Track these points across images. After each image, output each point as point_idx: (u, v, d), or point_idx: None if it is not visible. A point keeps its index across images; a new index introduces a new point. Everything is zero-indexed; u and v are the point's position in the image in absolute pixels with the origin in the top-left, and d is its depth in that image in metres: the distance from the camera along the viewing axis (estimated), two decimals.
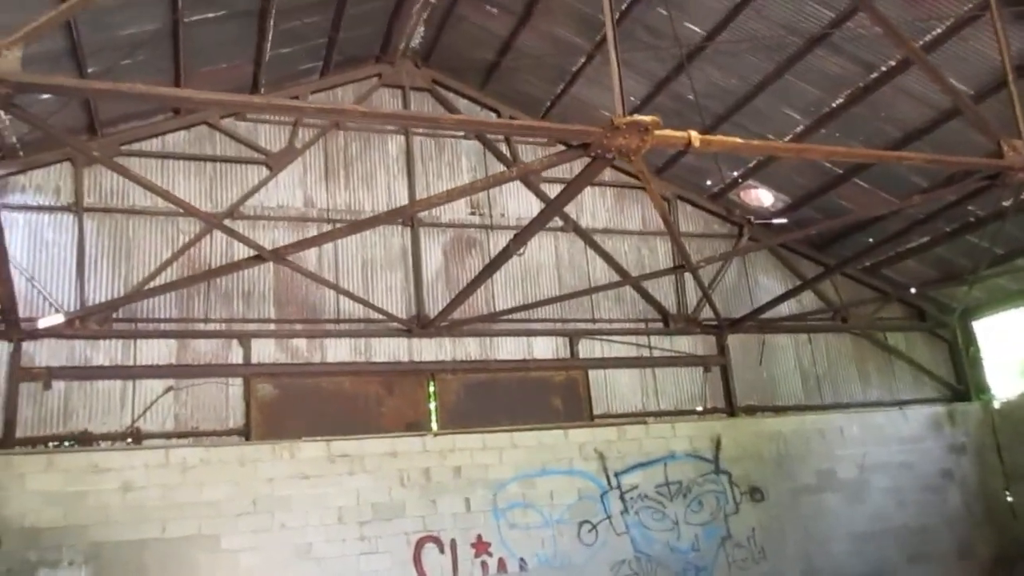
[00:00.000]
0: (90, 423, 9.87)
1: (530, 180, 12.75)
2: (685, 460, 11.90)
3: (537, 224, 7.69)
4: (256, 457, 9.78)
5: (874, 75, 10.26)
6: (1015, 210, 10.07)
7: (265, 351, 10.88)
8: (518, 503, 10.81)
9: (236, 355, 10.72)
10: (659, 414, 12.49)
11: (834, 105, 10.93)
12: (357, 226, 7.82)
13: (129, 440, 9.92)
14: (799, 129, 11.45)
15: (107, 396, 10.03)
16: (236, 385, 10.60)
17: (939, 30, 9.26)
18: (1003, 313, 14.04)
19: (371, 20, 11.46)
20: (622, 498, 11.39)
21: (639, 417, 12.26)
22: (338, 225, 10.78)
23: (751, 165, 12.65)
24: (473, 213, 12.52)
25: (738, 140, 6.36)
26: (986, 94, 9.64)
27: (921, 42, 9.17)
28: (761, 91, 11.05)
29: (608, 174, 13.37)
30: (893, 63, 9.97)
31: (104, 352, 10.18)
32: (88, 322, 10.02)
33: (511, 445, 11.03)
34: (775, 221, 13.44)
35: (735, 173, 12.97)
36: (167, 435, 10.11)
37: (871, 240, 13.38)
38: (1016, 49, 8.31)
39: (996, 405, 13.97)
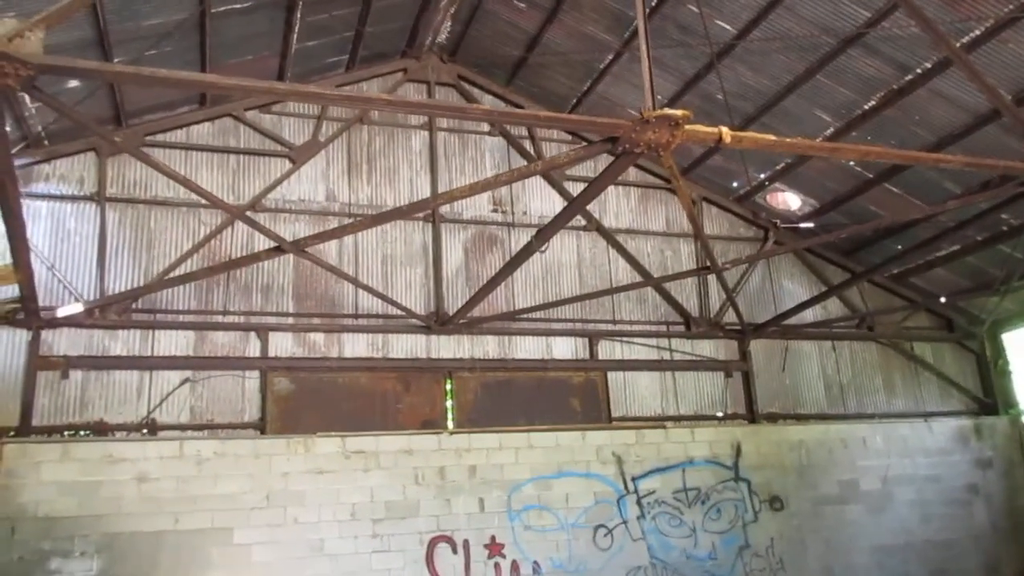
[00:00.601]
0: (106, 413, 9.85)
1: (553, 178, 12.61)
2: (704, 466, 11.70)
3: (561, 220, 7.55)
4: (271, 451, 9.70)
5: (909, 77, 10.02)
6: None
7: (283, 345, 10.82)
8: (533, 505, 10.66)
9: (254, 348, 10.67)
10: (678, 418, 12.29)
11: (866, 107, 10.70)
12: (379, 219, 7.70)
13: (144, 431, 9.89)
14: (829, 131, 11.23)
15: (124, 386, 10.01)
16: (253, 378, 10.55)
17: (978, 32, 9.01)
18: None
19: (398, 14, 11.38)
20: (639, 503, 11.22)
21: (658, 421, 12.07)
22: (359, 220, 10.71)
23: (779, 168, 12.43)
24: (495, 210, 12.40)
25: (771, 137, 6.18)
26: (1023, 100, 9.38)
27: (959, 44, 8.92)
28: (791, 92, 10.85)
29: (633, 174, 13.22)
30: (929, 65, 9.74)
31: (122, 342, 10.17)
32: (107, 312, 10.00)
33: (527, 446, 10.89)
34: (802, 225, 13.22)
35: (762, 175, 12.76)
36: (182, 427, 10.07)
37: (900, 247, 13.12)
38: None
39: None
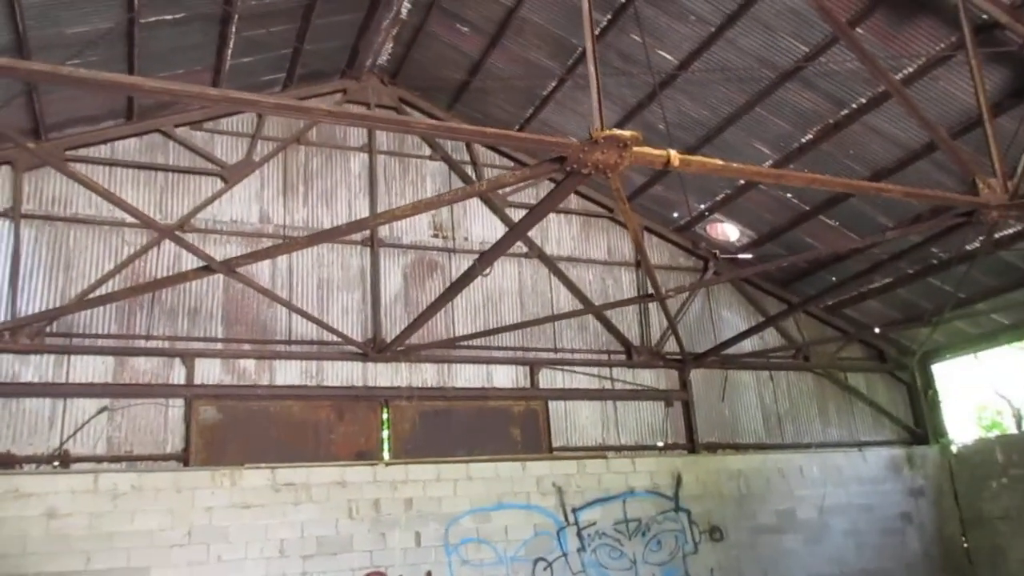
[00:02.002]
0: (13, 444, 9.15)
1: (495, 204, 12.47)
2: (645, 497, 11.59)
3: (506, 243, 7.37)
4: (194, 484, 9.18)
5: (844, 112, 10.23)
6: (985, 251, 10.03)
7: (210, 372, 10.30)
8: (471, 538, 10.37)
9: (178, 375, 10.12)
10: (619, 448, 12.15)
11: (803, 141, 10.88)
12: (315, 238, 7.40)
13: (56, 464, 9.22)
14: (768, 163, 11.35)
15: (34, 415, 9.34)
16: (177, 407, 9.99)
17: (910, 69, 9.26)
18: (962, 357, 14.07)
19: (338, 33, 11.13)
20: (579, 535, 11.02)
21: (599, 451, 11.91)
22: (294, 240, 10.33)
23: (718, 198, 12.55)
24: (436, 235, 12.16)
25: (718, 162, 6.13)
26: (954, 135, 9.62)
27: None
28: (731, 123, 10.97)
29: (575, 201, 13.18)
30: (864, 100, 9.96)
31: (34, 368, 9.52)
32: (18, 335, 9.36)
33: (466, 477, 10.60)
34: (740, 256, 13.34)
35: (702, 206, 12.85)
36: (98, 459, 9.43)
37: (834, 279, 13.34)
38: (988, 90, 8.29)
39: (954, 450, 13.93)
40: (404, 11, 11.03)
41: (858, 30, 8.83)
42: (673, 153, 5.84)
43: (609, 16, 9.90)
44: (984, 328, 13.31)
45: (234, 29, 9.66)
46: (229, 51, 10.05)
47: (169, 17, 9.09)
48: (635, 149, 5.64)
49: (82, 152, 10.45)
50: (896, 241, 11.39)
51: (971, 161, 7.86)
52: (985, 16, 8.24)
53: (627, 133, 5.53)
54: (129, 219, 9.94)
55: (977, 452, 13.55)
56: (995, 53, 8.52)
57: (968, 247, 10.80)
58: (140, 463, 9.57)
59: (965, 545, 13.42)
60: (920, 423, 14.37)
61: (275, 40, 10.44)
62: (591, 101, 5.69)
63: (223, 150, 11.23)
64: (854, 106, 10.10)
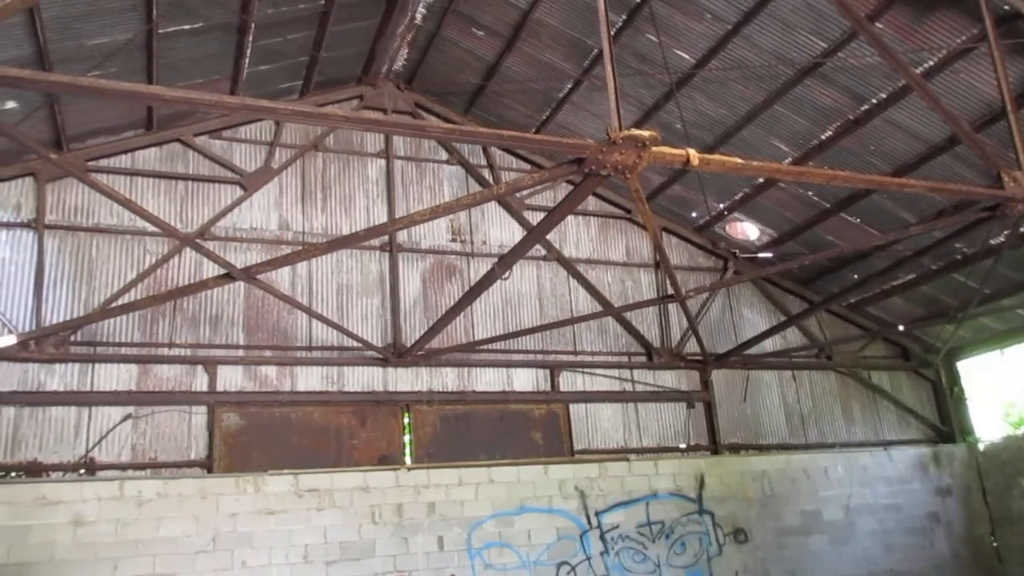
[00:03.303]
0: (40, 452, 9.25)
1: (513, 207, 12.45)
2: (668, 499, 11.50)
3: (525, 245, 7.35)
4: (218, 491, 9.21)
5: (864, 107, 10.13)
6: (1011, 246, 9.87)
7: (232, 379, 10.35)
8: (494, 542, 10.31)
9: (201, 382, 10.18)
10: (641, 451, 12.08)
11: (823, 137, 10.79)
12: (334, 244, 7.41)
13: (82, 471, 9.30)
14: (787, 161, 11.27)
15: (60, 424, 9.43)
16: (200, 414, 10.05)
17: (931, 62, 9.15)
18: (988, 353, 13.87)
19: (354, 40, 11.18)
20: (603, 538, 10.95)
21: (621, 453, 11.84)
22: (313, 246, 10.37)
23: (737, 197, 12.46)
24: (454, 240, 12.16)
25: (738, 160, 6.08)
26: (978, 128, 9.50)
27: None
28: (749, 121, 10.89)
29: (592, 203, 13.13)
30: (884, 95, 9.85)
31: (59, 377, 9.61)
32: (44, 345, 9.46)
33: (488, 481, 10.56)
34: (761, 255, 13.23)
35: (721, 205, 12.77)
36: (123, 466, 9.51)
37: (856, 277, 13.21)
38: (1011, 82, 8.17)
39: (981, 447, 13.73)
40: (419, 16, 11.06)
41: (877, 24, 8.75)
42: (692, 152, 5.80)
43: (624, 16, 9.87)
44: (1010, 323, 13.12)
45: (251, 38, 9.72)
46: (246, 60, 10.12)
47: (187, 27, 9.17)
48: (654, 149, 5.60)
49: (103, 163, 10.56)
50: (919, 237, 11.23)
51: (995, 154, 7.76)
52: (1007, 7, 8.13)
53: (646, 133, 5.50)
54: (150, 228, 10.02)
55: (1006, 449, 13.34)
56: (1018, 44, 8.39)
57: (993, 242, 10.65)
58: (164, 470, 9.63)
59: (995, 544, 13.21)
60: (946, 421, 14.18)
61: (291, 48, 10.50)
62: (608, 102, 5.66)
63: (242, 158, 11.31)
64: (874, 101, 10.00)
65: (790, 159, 11.26)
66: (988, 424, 14.21)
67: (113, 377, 9.82)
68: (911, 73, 7.55)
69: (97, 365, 9.78)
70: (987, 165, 7.37)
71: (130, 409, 9.74)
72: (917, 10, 8.70)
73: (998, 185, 7.27)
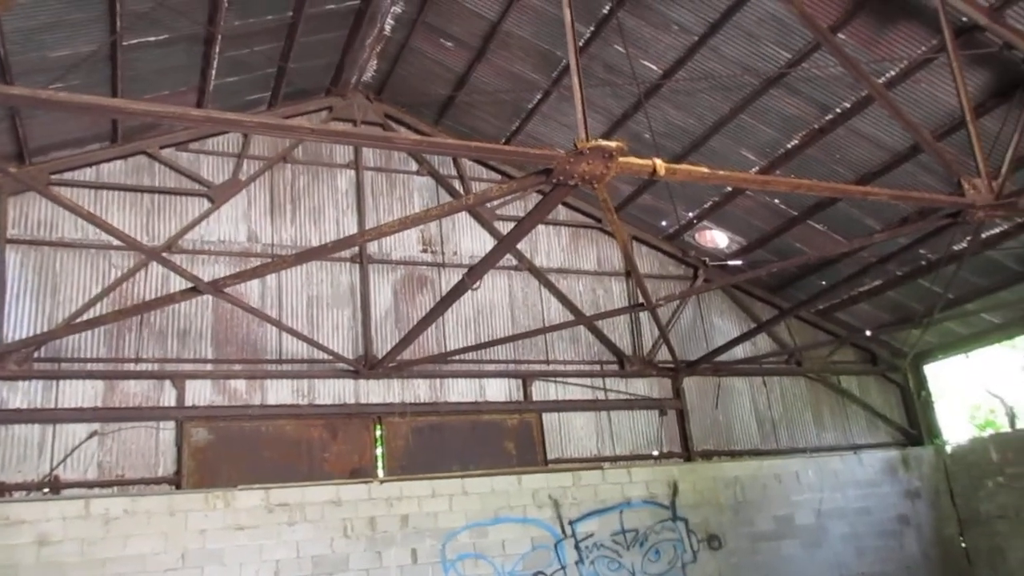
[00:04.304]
0: (3, 471, 9.04)
1: (484, 217, 12.46)
2: (642, 507, 11.54)
3: (494, 256, 7.35)
4: (187, 507, 9.08)
5: (829, 116, 10.28)
6: (973, 252, 10.06)
7: (201, 393, 10.22)
8: (469, 554, 10.28)
9: (169, 397, 10.04)
10: (615, 459, 12.11)
11: (789, 146, 10.92)
12: (303, 256, 7.35)
13: (46, 490, 9.11)
14: (755, 170, 11.39)
15: (23, 442, 9.23)
16: (168, 429, 9.90)
17: (893, 73, 9.31)
18: (954, 358, 14.11)
19: (323, 51, 11.13)
20: (577, 547, 10.96)
21: (594, 462, 11.86)
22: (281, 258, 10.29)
23: (706, 206, 12.58)
24: (425, 250, 12.14)
25: (704, 169, 6.14)
26: (938, 137, 9.68)
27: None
28: (717, 131, 11.01)
29: (563, 213, 13.19)
30: (848, 105, 10.01)
31: (23, 394, 9.42)
32: (6, 362, 9.28)
33: (462, 492, 10.53)
34: (730, 263, 13.36)
35: (690, 214, 12.88)
36: (89, 484, 9.33)
37: (824, 283, 13.38)
38: (969, 92, 8.33)
39: (949, 450, 13.94)
40: (388, 28, 11.06)
41: (840, 35, 8.89)
42: (659, 162, 5.85)
43: (592, 28, 9.94)
44: (975, 328, 13.35)
45: (218, 50, 9.64)
46: (213, 71, 10.03)
47: (152, 39, 9.07)
48: (621, 159, 5.64)
49: (67, 176, 10.40)
50: (884, 244, 11.43)
51: (955, 162, 7.91)
52: (965, 19, 8.31)
53: (612, 143, 5.53)
54: (116, 242, 9.88)
55: (972, 452, 13.56)
56: (977, 55, 8.57)
57: (956, 247, 10.84)
58: (132, 487, 9.48)
59: (963, 546, 13.41)
60: (914, 424, 14.38)
61: (259, 59, 10.44)
62: (576, 112, 5.69)
63: (209, 170, 11.20)
64: (838, 111, 10.15)
65: (758, 168, 11.39)
66: (955, 427, 14.47)
67: (78, 393, 9.65)
68: (873, 83, 7.69)
69: (62, 382, 9.61)
70: (948, 173, 7.51)
71: (96, 426, 9.58)
72: (879, 21, 8.86)
73: (959, 192, 7.41)
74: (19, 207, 10.06)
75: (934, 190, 10.04)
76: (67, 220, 10.15)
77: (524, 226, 7.03)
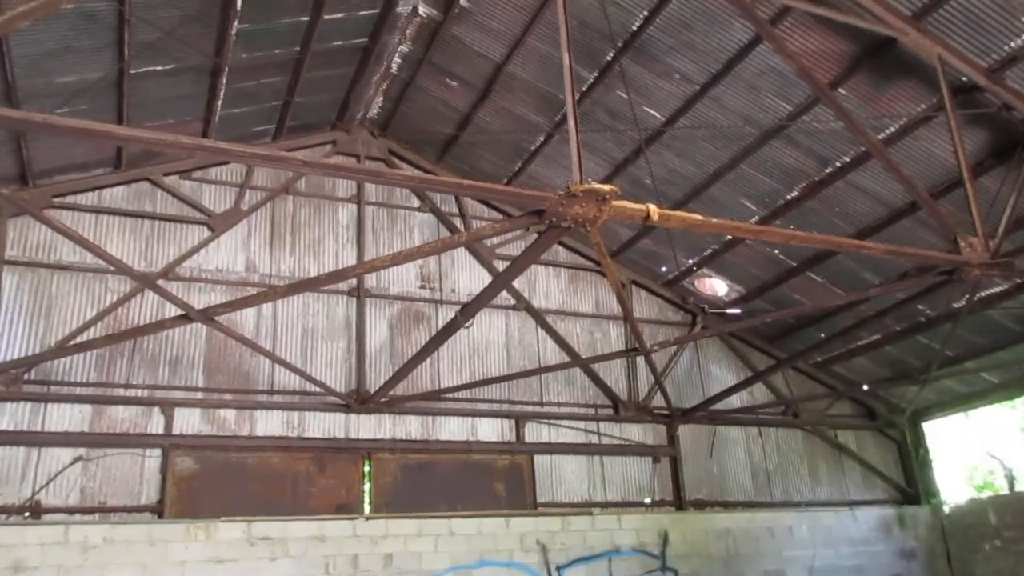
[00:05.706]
0: None
1: (482, 255, 12.47)
2: (631, 556, 11.30)
3: (487, 294, 7.33)
4: (167, 537, 8.93)
5: (828, 170, 10.32)
6: (969, 310, 10.01)
7: (189, 422, 10.15)
8: None
9: (157, 424, 9.97)
10: (605, 505, 11.94)
11: (789, 197, 10.96)
12: (296, 287, 7.36)
13: (27, 515, 9.00)
14: (754, 220, 11.42)
15: (6, 465, 9.16)
16: (153, 457, 9.81)
17: (892, 129, 9.37)
18: (952, 416, 13.96)
19: (329, 86, 11.26)
20: None
21: (585, 507, 11.70)
22: (275, 288, 10.28)
23: (706, 253, 12.58)
24: (423, 286, 12.13)
25: (697, 217, 6.14)
26: (937, 194, 9.70)
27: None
28: (717, 179, 11.06)
29: (563, 255, 13.20)
30: (847, 159, 10.05)
31: (10, 416, 9.36)
32: None
33: (448, 532, 10.35)
34: (728, 311, 13.31)
35: (690, 261, 12.87)
36: (70, 510, 9.22)
37: (822, 335, 13.31)
38: (968, 150, 8.37)
39: (946, 510, 13.72)
40: (395, 66, 11.20)
41: (840, 90, 8.98)
42: (652, 207, 5.85)
43: (596, 73, 10.05)
44: (974, 386, 13.24)
45: (224, 81, 9.76)
46: (219, 102, 10.14)
47: (160, 68, 9.19)
48: (614, 203, 5.65)
49: (69, 199, 10.47)
50: (883, 298, 11.39)
51: (952, 220, 7.90)
52: (964, 78, 8.37)
53: (606, 187, 5.55)
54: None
55: (970, 513, 13.33)
56: (974, 114, 8.62)
57: (955, 305, 10.80)
58: (114, 515, 9.36)
59: None
60: (911, 482, 14.18)
61: (266, 92, 10.56)
62: (571, 155, 5.71)
63: (211, 199, 11.26)
64: (838, 164, 10.20)
65: (757, 217, 11.41)
66: (952, 486, 14.25)
67: (65, 417, 9.58)
68: (870, 138, 7.73)
69: (50, 405, 9.55)
70: (944, 230, 7.50)
71: (81, 451, 9.50)
72: (878, 79, 8.94)
73: (955, 250, 7.39)
74: (19, 229, 10.11)
75: (933, 247, 10.00)
76: (65, 243, 10.16)
77: (517, 265, 7.03)
